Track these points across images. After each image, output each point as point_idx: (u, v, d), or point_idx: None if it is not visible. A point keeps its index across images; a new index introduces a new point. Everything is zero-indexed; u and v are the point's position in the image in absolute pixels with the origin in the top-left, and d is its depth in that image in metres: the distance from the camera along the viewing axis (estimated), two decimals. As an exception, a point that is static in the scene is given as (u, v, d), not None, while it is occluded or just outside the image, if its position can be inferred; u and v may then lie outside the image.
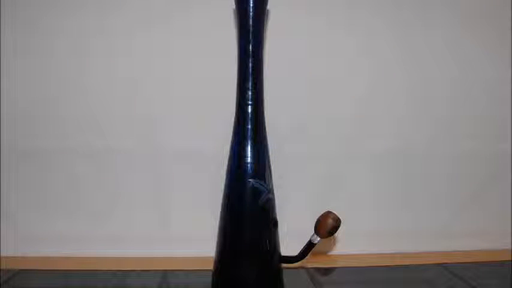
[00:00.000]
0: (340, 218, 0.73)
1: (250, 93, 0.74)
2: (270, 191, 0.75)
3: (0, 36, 0.91)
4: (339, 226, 0.73)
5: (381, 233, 0.96)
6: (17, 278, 0.85)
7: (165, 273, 0.88)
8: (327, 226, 0.73)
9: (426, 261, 0.93)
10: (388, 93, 0.96)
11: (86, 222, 0.94)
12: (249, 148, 0.74)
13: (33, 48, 0.92)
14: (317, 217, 0.75)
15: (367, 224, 0.96)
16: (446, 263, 0.91)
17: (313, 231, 0.74)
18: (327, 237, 0.74)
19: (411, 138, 0.97)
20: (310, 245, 0.75)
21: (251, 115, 0.75)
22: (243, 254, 0.75)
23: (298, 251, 0.76)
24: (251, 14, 0.73)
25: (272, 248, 0.76)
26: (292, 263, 0.77)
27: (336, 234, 0.81)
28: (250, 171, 0.74)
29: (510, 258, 0.94)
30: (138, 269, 0.89)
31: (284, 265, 0.78)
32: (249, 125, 0.75)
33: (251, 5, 0.73)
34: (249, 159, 0.74)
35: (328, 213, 0.73)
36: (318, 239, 0.74)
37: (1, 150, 0.93)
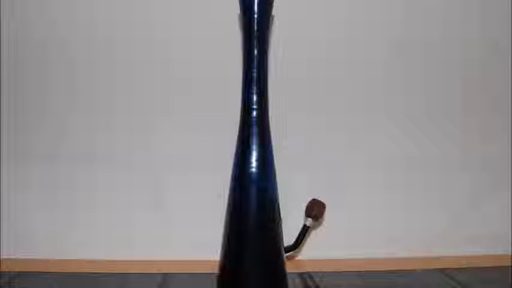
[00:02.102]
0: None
1: (255, 97, 0.75)
2: (276, 194, 0.76)
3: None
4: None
5: (378, 237, 0.97)
6: (15, 281, 0.85)
7: (164, 276, 0.88)
8: (321, 209, 0.82)
9: (424, 266, 0.93)
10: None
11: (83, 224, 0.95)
12: (254, 152, 0.75)
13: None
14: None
15: (364, 228, 0.97)
16: (444, 268, 0.92)
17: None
18: (317, 220, 0.83)
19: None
20: (305, 229, 0.82)
21: (256, 119, 0.75)
22: (248, 258, 0.75)
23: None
24: (256, 19, 0.73)
25: (277, 252, 0.77)
26: (292, 250, 0.81)
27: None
28: (256, 175, 0.75)
29: (509, 264, 0.94)
30: (138, 271, 0.89)
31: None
32: (254, 129, 0.75)
33: (256, 10, 0.73)
34: (254, 163, 0.75)
35: (316, 200, 0.82)
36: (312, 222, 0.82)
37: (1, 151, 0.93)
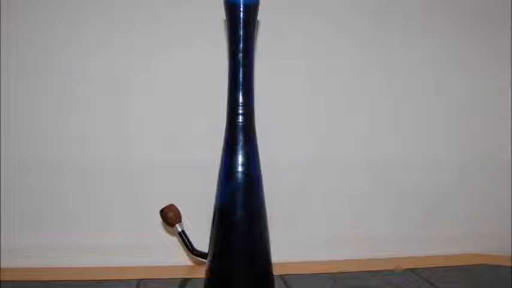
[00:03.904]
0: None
1: (241, 102, 0.75)
2: (262, 194, 0.77)
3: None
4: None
5: (352, 239, 0.99)
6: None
7: (139, 282, 0.87)
8: (174, 210, 0.82)
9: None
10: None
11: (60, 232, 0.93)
12: (239, 157, 0.75)
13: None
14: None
15: (337, 230, 0.99)
16: (415, 268, 0.94)
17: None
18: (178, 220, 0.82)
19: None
20: (183, 235, 0.82)
21: (242, 124, 0.75)
22: (235, 261, 0.76)
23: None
24: (241, 24, 0.74)
25: (265, 254, 0.77)
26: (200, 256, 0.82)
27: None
28: (241, 180, 0.75)
29: (478, 263, 0.97)
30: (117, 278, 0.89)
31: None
32: (240, 134, 0.75)
33: (241, 15, 0.74)
34: (239, 168, 0.75)
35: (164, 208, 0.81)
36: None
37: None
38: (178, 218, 0.82)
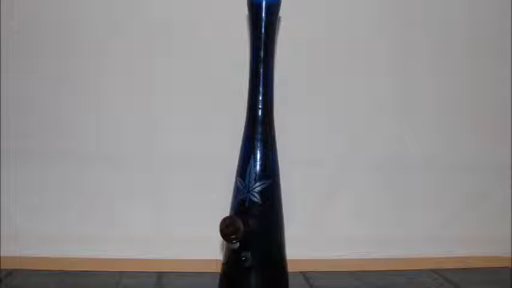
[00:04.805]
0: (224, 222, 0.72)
1: (261, 97, 0.76)
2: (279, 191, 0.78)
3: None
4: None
5: (374, 238, 0.98)
6: (10, 279, 0.85)
7: (160, 275, 0.88)
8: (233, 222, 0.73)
9: (418, 266, 0.94)
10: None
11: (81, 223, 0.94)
12: (258, 151, 0.76)
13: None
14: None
15: (359, 229, 0.98)
16: (438, 269, 0.93)
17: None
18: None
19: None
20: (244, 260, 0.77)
21: (261, 118, 0.77)
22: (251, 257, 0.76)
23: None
24: (263, 20, 0.75)
25: (280, 251, 0.78)
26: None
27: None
28: (260, 173, 0.76)
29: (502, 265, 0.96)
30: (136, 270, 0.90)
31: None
32: (259, 128, 0.77)
33: (263, 12, 0.75)
34: (258, 161, 0.76)
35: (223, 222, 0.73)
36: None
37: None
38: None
